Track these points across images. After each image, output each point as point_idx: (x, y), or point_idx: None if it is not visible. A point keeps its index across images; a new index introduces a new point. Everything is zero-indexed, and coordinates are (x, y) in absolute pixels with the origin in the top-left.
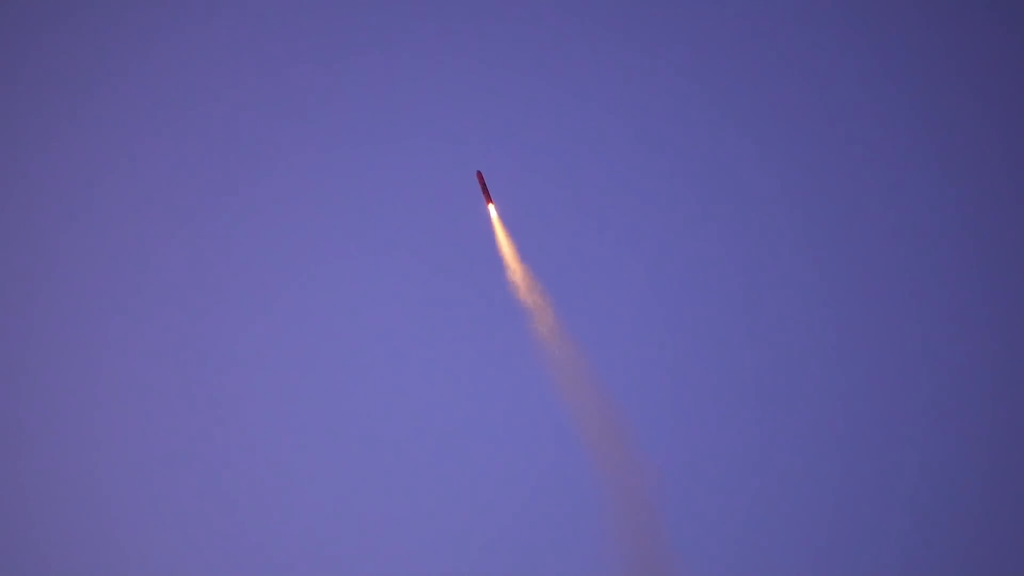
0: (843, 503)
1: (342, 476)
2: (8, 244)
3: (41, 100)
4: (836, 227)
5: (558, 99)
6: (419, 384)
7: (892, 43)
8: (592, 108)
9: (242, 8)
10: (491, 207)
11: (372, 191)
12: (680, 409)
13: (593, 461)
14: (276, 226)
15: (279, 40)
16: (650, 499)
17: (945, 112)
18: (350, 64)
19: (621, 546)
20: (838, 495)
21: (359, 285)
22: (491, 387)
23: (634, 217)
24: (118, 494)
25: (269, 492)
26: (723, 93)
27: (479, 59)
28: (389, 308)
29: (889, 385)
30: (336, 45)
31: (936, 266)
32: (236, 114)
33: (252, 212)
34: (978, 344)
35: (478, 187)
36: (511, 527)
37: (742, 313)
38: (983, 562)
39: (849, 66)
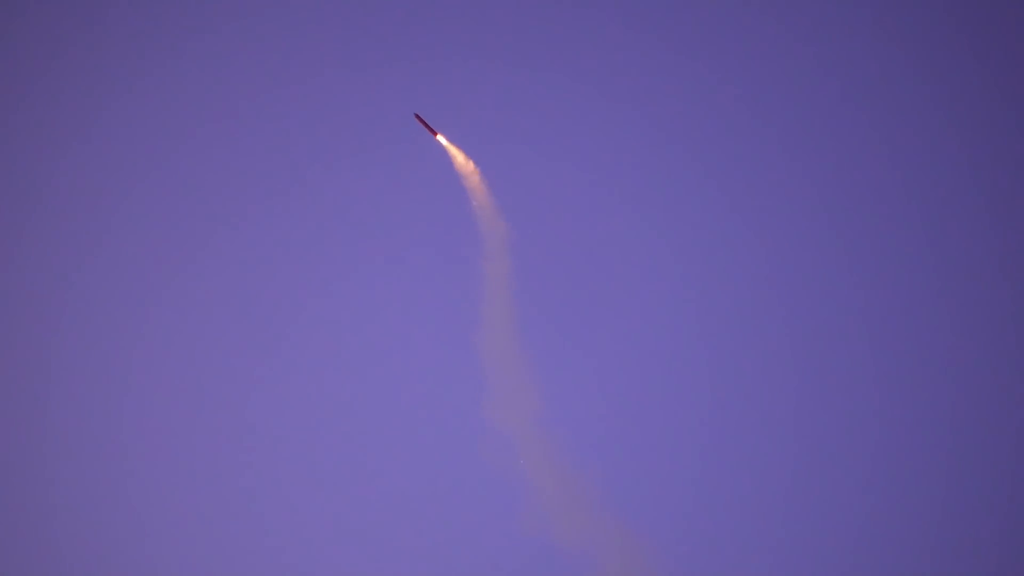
0: (839, 505)
1: (336, 476)
2: (15, 249)
3: (50, 109)
4: (828, 225)
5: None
6: (408, 382)
7: (898, 40)
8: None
9: None
10: (440, 137)
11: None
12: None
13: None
14: (267, 224)
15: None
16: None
17: (953, 109)
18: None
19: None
20: (835, 497)
21: (348, 281)
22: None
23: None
24: (119, 494)
25: (265, 492)
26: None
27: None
28: (377, 306)
29: (872, 388)
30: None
31: (936, 268)
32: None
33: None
34: (982, 346)
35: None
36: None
37: (723, 305)
38: (984, 562)
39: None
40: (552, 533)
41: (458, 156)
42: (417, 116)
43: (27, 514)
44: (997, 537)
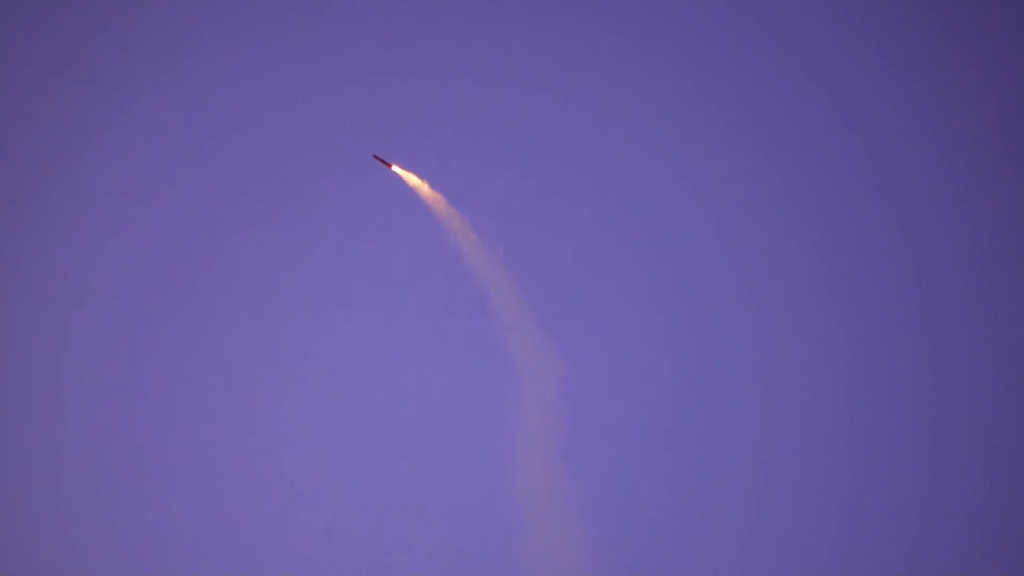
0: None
1: (333, 478)
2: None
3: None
4: (824, 227)
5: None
6: (403, 385)
7: (889, 42)
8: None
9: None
10: (395, 168)
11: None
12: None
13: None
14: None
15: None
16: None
17: (947, 111)
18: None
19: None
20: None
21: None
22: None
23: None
24: (116, 495)
25: (261, 494)
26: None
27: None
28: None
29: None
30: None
31: (935, 267)
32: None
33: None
34: (980, 345)
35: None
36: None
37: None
38: (983, 563)
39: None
40: None
41: (418, 183)
42: (376, 156)
43: (29, 514)
44: (979, 537)
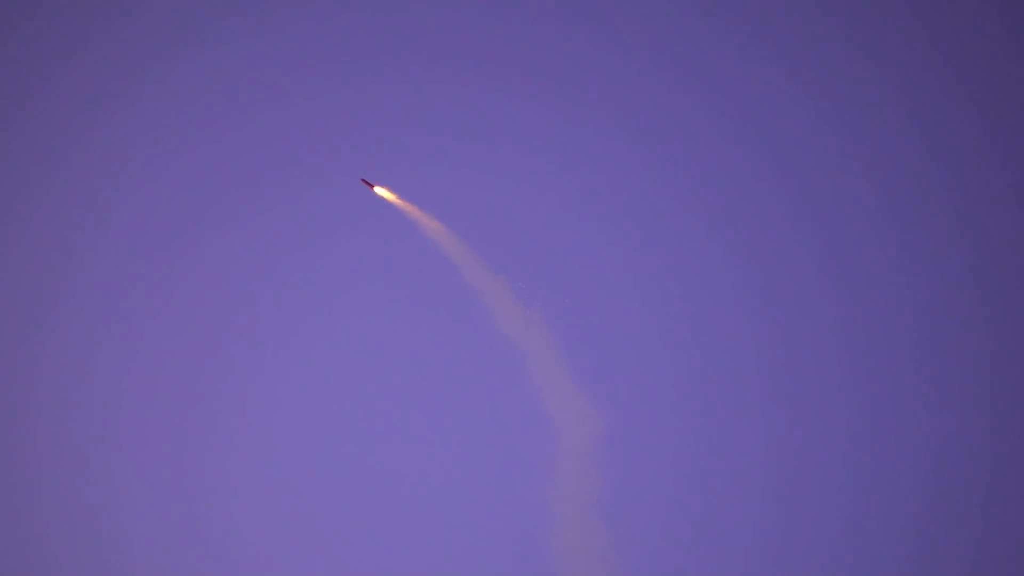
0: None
1: (333, 481)
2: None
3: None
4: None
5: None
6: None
7: (884, 44)
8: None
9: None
10: (377, 189)
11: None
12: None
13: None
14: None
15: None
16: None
17: (941, 113)
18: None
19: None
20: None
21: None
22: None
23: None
24: (122, 498)
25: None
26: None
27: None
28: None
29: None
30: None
31: (933, 267)
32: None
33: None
34: (977, 344)
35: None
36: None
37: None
38: (982, 563)
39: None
40: None
41: (401, 204)
42: (364, 180)
43: (28, 515)
44: (979, 536)
